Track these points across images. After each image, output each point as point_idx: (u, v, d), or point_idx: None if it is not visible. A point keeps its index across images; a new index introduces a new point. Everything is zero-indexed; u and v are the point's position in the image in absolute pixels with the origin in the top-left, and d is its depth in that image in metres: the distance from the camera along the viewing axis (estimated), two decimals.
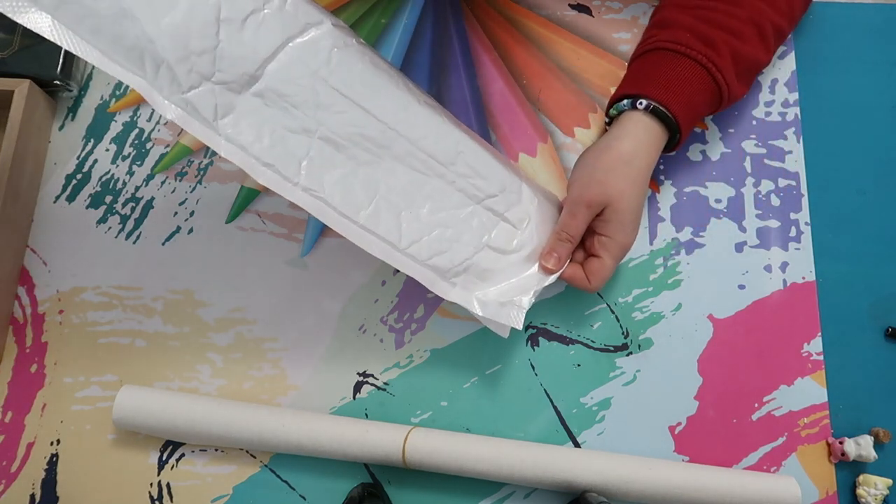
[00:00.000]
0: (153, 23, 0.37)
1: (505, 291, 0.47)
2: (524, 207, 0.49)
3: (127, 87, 0.59)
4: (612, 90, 0.57)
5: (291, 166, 0.41)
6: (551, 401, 0.51)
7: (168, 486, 0.50)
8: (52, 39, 0.36)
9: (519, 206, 0.49)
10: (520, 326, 0.46)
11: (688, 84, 0.48)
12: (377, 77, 0.44)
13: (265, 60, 0.41)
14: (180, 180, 0.57)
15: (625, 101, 0.49)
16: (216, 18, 0.39)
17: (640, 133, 0.48)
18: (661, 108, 0.47)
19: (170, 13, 0.38)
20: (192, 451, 0.50)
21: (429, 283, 0.45)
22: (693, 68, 0.48)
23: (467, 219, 0.46)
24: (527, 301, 0.47)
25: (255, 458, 0.50)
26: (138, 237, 0.55)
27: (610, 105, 0.52)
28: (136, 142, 0.58)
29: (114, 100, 0.59)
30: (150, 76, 0.37)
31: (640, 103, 0.48)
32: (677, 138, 0.49)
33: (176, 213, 0.56)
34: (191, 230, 0.55)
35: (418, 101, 0.46)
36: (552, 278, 0.49)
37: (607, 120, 0.52)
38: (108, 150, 0.58)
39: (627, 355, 0.52)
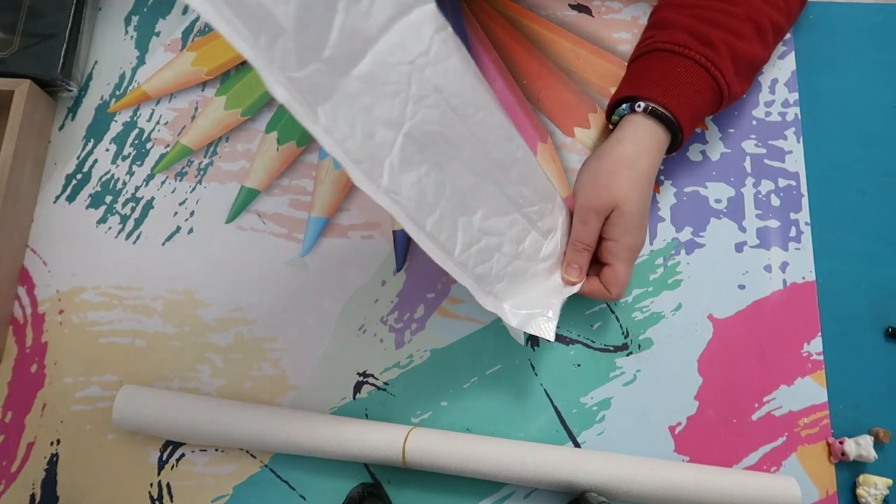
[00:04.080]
0: None
1: (533, 301, 0.47)
2: (554, 218, 0.49)
3: (127, 87, 0.59)
4: (613, 90, 0.57)
5: (377, 165, 0.36)
6: (551, 401, 0.51)
7: (168, 486, 0.50)
8: None
9: (550, 216, 0.49)
10: (552, 338, 0.46)
11: (688, 85, 0.48)
12: (468, 70, 0.40)
13: (371, 40, 0.35)
14: (180, 180, 0.57)
15: (624, 106, 0.49)
16: None
17: (641, 136, 0.48)
18: (660, 109, 0.48)
19: None
20: (192, 451, 0.50)
21: (472, 291, 0.43)
22: (692, 69, 0.48)
23: (508, 227, 0.45)
24: (554, 312, 0.47)
25: (255, 458, 0.50)
26: (138, 237, 0.55)
27: (610, 107, 0.52)
28: (136, 142, 0.58)
29: (114, 100, 0.59)
30: (263, 46, 0.30)
31: (639, 106, 0.48)
32: (680, 139, 0.49)
33: (176, 213, 0.56)
34: (191, 230, 0.55)
35: (493, 99, 0.42)
36: (574, 289, 0.49)
37: (611, 126, 0.52)
38: (108, 150, 0.58)
39: (627, 355, 0.52)
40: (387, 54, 0.36)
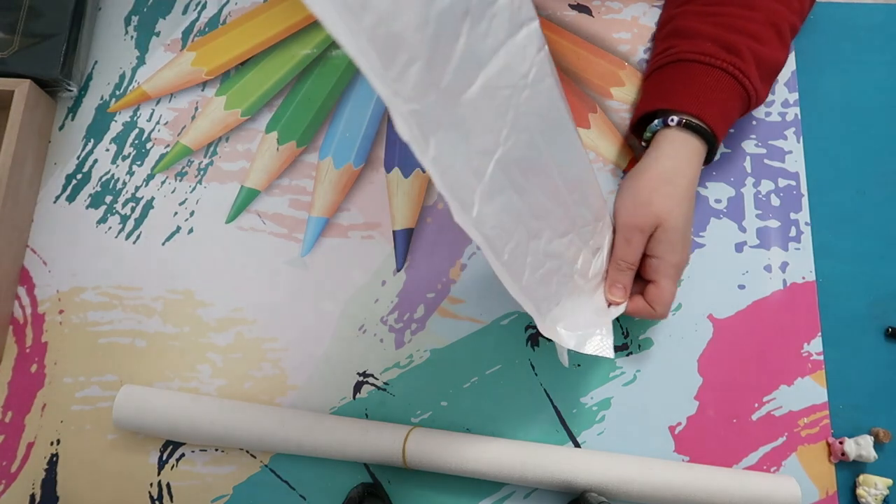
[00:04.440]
0: (425, 6, 0.28)
1: (584, 321, 0.46)
2: (602, 235, 0.48)
3: (127, 87, 0.59)
4: (613, 90, 0.57)
5: (469, 194, 0.33)
6: (551, 401, 0.51)
7: (168, 486, 0.50)
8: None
9: (599, 235, 0.47)
10: (611, 355, 0.45)
11: (718, 94, 0.48)
12: (557, 90, 0.38)
13: (483, 63, 0.33)
14: (180, 180, 0.57)
15: (657, 121, 0.49)
16: (466, 9, 0.31)
17: (679, 150, 0.48)
18: (695, 121, 0.47)
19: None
20: (192, 451, 0.50)
21: (535, 318, 0.41)
22: (722, 78, 0.48)
23: (566, 248, 0.44)
24: (608, 330, 0.46)
25: (255, 458, 0.50)
26: (138, 237, 0.55)
27: (636, 120, 0.52)
28: (136, 142, 0.58)
29: (114, 100, 0.59)
30: (393, 75, 0.28)
31: (672, 120, 0.48)
32: (715, 150, 0.49)
33: (176, 213, 0.56)
34: (191, 230, 0.55)
35: (570, 120, 0.40)
36: (621, 309, 0.48)
37: (644, 144, 0.51)
38: (108, 150, 0.58)
39: (627, 355, 0.52)
40: (494, 78, 0.33)
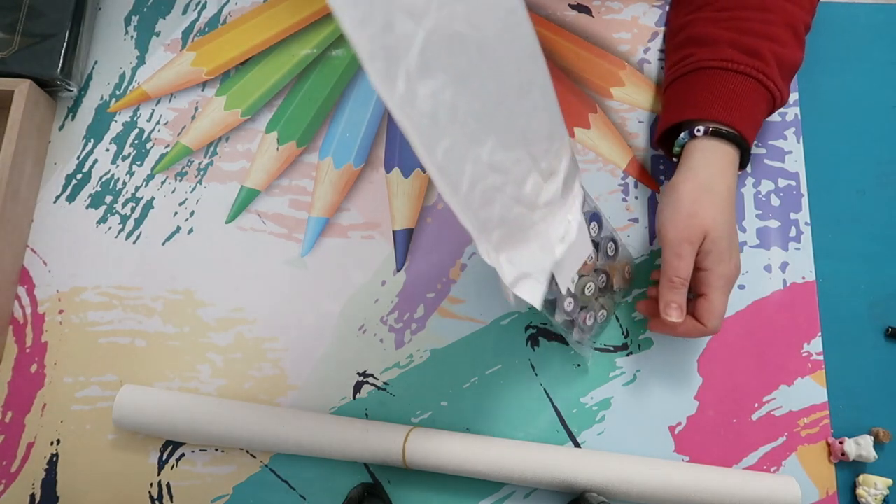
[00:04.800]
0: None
1: (526, 259, 0.40)
2: (557, 158, 0.41)
3: (127, 87, 0.59)
4: (613, 90, 0.57)
5: (393, 64, 0.29)
6: (551, 401, 0.51)
7: (168, 486, 0.50)
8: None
9: (554, 157, 0.41)
10: (539, 305, 0.39)
11: (745, 98, 0.47)
12: None
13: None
14: (180, 180, 0.57)
15: (683, 134, 0.49)
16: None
17: (711, 159, 0.47)
18: (725, 128, 0.47)
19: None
20: (192, 451, 0.50)
21: (474, 237, 0.36)
22: (746, 83, 0.47)
23: (514, 165, 0.38)
24: (546, 277, 0.40)
25: (255, 458, 0.50)
26: (138, 237, 0.55)
27: (661, 134, 0.51)
28: (136, 142, 0.58)
29: (114, 100, 0.59)
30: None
31: (699, 130, 0.47)
32: (748, 155, 0.48)
33: (176, 213, 0.56)
34: (191, 230, 0.55)
35: (524, 8, 0.33)
36: (567, 245, 0.42)
37: (675, 159, 0.51)
38: (108, 150, 0.58)
39: (627, 355, 0.52)
40: None
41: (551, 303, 0.45)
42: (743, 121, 0.47)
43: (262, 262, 0.54)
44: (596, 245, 0.48)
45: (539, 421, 0.50)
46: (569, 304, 0.46)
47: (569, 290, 0.45)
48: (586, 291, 0.47)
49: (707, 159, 0.47)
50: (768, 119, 0.56)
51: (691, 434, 0.50)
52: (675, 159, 0.51)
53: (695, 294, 0.47)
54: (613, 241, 0.49)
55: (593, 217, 0.47)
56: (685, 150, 0.49)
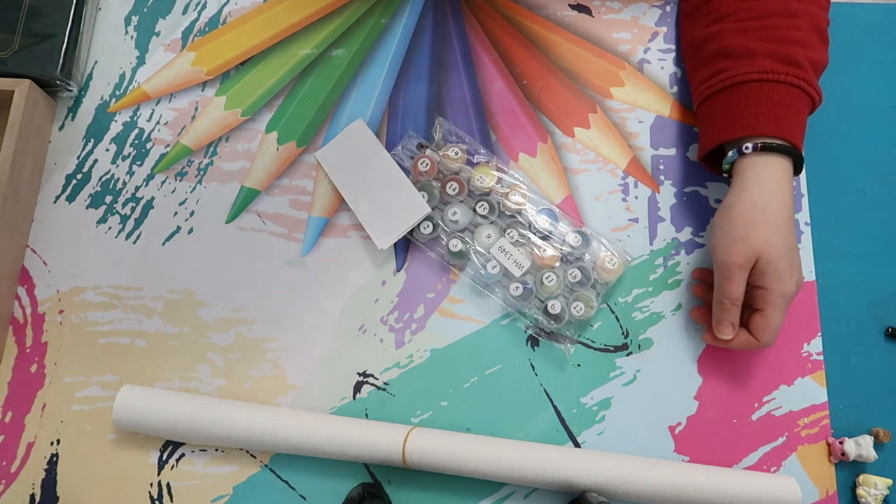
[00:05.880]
0: None
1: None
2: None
3: (127, 87, 0.59)
4: (613, 90, 0.57)
5: None
6: (551, 401, 0.51)
7: (168, 486, 0.49)
8: None
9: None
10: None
11: (791, 108, 0.47)
12: None
13: None
14: (180, 180, 0.57)
15: (732, 153, 0.48)
16: None
17: (765, 176, 0.47)
18: (776, 142, 0.46)
19: None
20: (192, 451, 0.50)
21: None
22: (789, 92, 0.47)
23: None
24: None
25: (255, 458, 0.50)
26: (138, 237, 0.55)
27: (706, 152, 0.51)
28: (136, 142, 0.58)
29: (114, 100, 0.59)
30: None
31: (747, 147, 0.47)
32: (801, 162, 0.48)
33: (176, 213, 0.56)
34: (191, 230, 0.55)
35: None
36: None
37: (725, 175, 0.50)
38: (108, 150, 0.58)
39: (627, 355, 0.52)
40: None
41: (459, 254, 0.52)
42: (792, 130, 0.47)
43: (262, 262, 0.54)
44: (546, 237, 0.52)
45: (539, 421, 0.50)
46: (494, 267, 0.52)
47: (494, 258, 0.52)
48: (545, 281, 0.51)
49: (760, 177, 0.46)
50: None
51: (691, 434, 0.50)
52: (725, 175, 0.50)
53: (753, 309, 0.47)
54: (579, 233, 0.52)
55: (548, 213, 0.53)
56: (736, 169, 0.48)
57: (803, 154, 0.48)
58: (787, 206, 0.46)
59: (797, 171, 0.48)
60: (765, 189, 0.46)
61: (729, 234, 0.46)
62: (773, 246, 0.45)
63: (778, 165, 0.47)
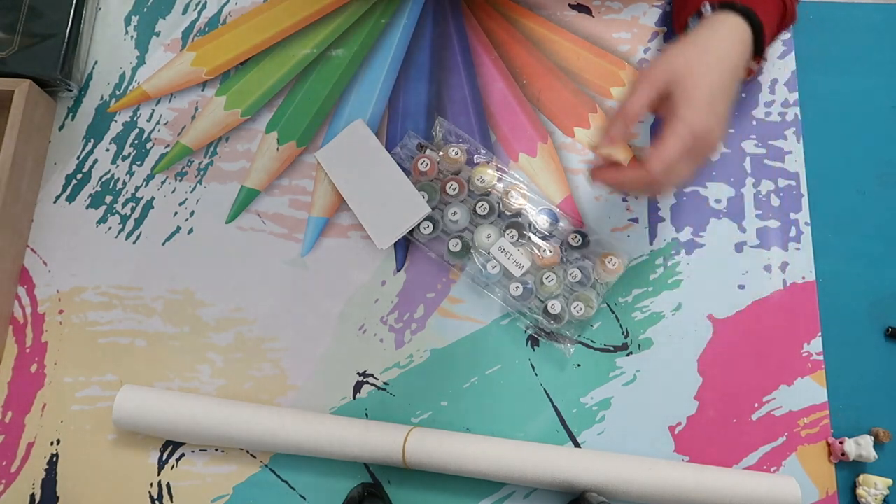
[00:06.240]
0: None
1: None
2: None
3: (127, 87, 0.59)
4: (613, 90, 0.57)
5: None
6: (551, 401, 0.51)
7: (168, 486, 0.50)
8: None
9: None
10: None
11: None
12: None
13: None
14: (180, 180, 0.57)
15: (692, 18, 0.47)
16: None
17: (716, 25, 0.45)
18: (736, 3, 0.44)
19: None
20: (192, 451, 0.50)
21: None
22: None
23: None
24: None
25: (255, 458, 0.50)
26: (138, 237, 0.55)
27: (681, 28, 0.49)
28: (136, 142, 0.58)
29: (114, 100, 0.59)
30: None
31: (706, 7, 0.46)
32: (761, 36, 0.45)
33: (176, 213, 0.56)
34: (191, 230, 0.55)
35: None
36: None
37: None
38: (108, 150, 0.58)
39: (627, 355, 0.52)
40: None
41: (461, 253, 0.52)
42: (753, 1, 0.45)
43: (262, 262, 0.54)
44: (546, 237, 0.53)
45: (539, 421, 0.50)
46: (495, 266, 0.52)
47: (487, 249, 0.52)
48: (545, 281, 0.51)
49: (712, 28, 0.45)
50: (768, 119, 0.56)
51: (691, 434, 0.50)
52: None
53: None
54: (578, 233, 0.52)
55: (548, 213, 0.53)
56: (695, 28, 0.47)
57: (764, 29, 0.45)
58: (731, 56, 0.44)
59: (757, 48, 0.46)
60: (712, 33, 0.44)
61: (657, 57, 0.44)
62: (694, 72, 0.42)
63: (733, 23, 0.45)
